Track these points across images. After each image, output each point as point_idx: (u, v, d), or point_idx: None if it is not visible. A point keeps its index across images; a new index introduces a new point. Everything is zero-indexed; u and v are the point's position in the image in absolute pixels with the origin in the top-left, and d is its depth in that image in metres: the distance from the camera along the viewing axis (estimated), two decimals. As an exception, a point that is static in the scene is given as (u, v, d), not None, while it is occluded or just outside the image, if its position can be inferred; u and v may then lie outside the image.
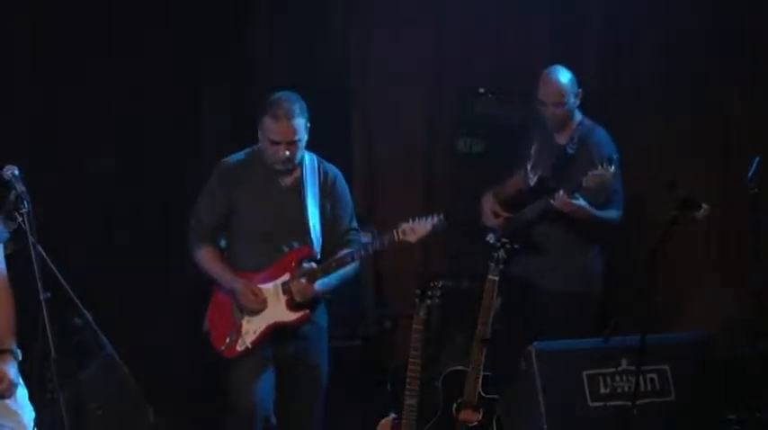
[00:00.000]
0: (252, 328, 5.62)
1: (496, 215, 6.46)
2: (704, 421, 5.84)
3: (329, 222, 5.72)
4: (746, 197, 6.27)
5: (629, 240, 7.20)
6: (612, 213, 6.29)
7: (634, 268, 6.54)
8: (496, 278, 5.79)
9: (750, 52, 7.39)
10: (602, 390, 5.78)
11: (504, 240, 5.85)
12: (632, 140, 7.36)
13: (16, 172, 4.76)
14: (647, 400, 5.73)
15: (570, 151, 6.39)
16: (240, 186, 5.69)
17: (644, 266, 5.47)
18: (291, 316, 5.61)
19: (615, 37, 7.65)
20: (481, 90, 7.42)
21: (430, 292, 5.72)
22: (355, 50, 7.81)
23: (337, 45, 7.77)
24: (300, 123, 5.55)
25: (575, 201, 6.09)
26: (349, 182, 7.54)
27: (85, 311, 5.57)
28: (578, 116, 6.41)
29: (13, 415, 4.73)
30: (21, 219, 4.73)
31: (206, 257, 5.72)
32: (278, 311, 5.61)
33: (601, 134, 6.43)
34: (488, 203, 6.51)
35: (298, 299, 5.58)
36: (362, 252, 5.68)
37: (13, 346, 4.74)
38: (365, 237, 5.98)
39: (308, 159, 5.72)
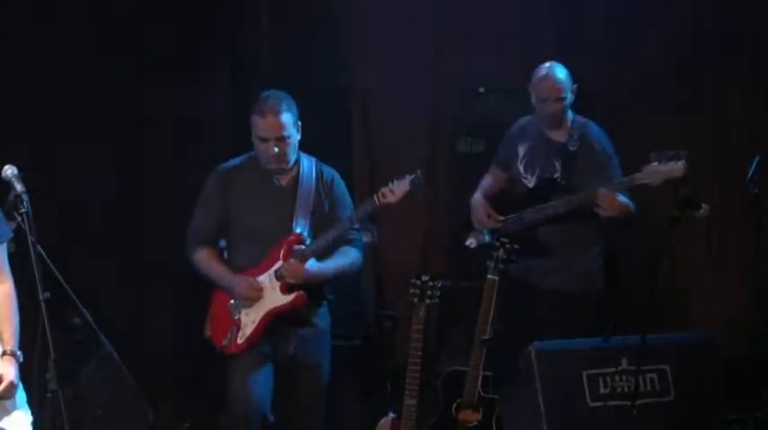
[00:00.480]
0: (250, 319, 5.64)
1: (488, 217, 6.43)
2: (704, 421, 5.82)
3: (325, 221, 5.70)
4: (747, 197, 6.27)
5: (630, 240, 7.21)
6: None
7: (634, 268, 6.58)
8: (496, 278, 5.78)
9: (750, 52, 7.38)
10: (602, 390, 5.76)
11: (503, 240, 5.84)
12: (632, 140, 7.37)
13: (16, 171, 4.76)
14: (646, 400, 5.71)
15: (572, 148, 6.36)
16: (235, 189, 5.71)
17: (644, 266, 5.47)
18: (286, 299, 5.61)
19: (616, 36, 7.64)
20: (482, 90, 7.42)
21: (429, 292, 5.72)
22: (355, 50, 7.81)
23: (337, 44, 7.77)
24: (287, 119, 5.56)
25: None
26: (349, 181, 7.55)
27: (85, 311, 5.60)
28: (571, 113, 6.41)
29: (12, 417, 4.73)
30: (20, 218, 4.74)
31: (203, 259, 5.74)
32: (273, 297, 5.63)
33: (596, 129, 6.43)
34: (482, 206, 6.46)
35: (290, 280, 5.58)
36: (348, 225, 5.67)
37: (15, 348, 4.74)
38: (364, 236, 5.98)
39: (306, 162, 5.74)
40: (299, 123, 5.62)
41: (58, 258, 5.44)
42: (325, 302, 5.81)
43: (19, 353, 4.74)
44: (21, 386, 4.77)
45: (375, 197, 5.58)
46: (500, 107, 7.30)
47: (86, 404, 6.28)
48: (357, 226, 5.80)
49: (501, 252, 5.81)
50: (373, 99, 7.81)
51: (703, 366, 5.90)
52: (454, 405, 5.81)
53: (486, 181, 6.61)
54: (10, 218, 4.80)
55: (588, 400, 5.74)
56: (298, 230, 5.64)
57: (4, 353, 4.71)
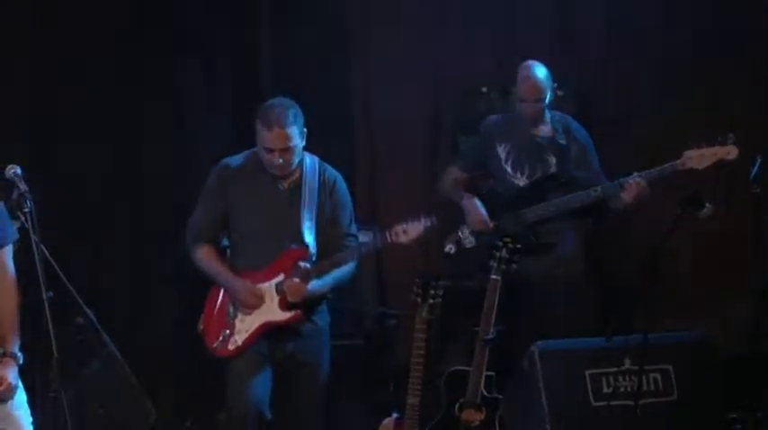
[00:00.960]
0: (245, 327, 5.62)
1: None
2: (706, 421, 5.84)
3: (328, 225, 5.70)
4: (748, 196, 6.28)
5: (631, 239, 7.23)
6: None
7: (636, 267, 6.58)
8: (499, 277, 5.78)
9: (750, 52, 7.39)
10: (605, 390, 5.77)
11: (506, 240, 5.83)
12: (632, 139, 7.38)
13: (18, 171, 4.76)
14: (649, 400, 5.72)
15: (562, 142, 6.43)
16: (238, 187, 5.68)
17: (646, 265, 5.48)
18: (283, 315, 5.60)
19: (616, 36, 7.64)
20: (483, 89, 7.43)
21: (432, 291, 5.71)
22: (357, 49, 7.81)
23: (339, 44, 7.76)
24: (293, 130, 5.51)
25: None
26: (351, 181, 7.54)
27: (88, 310, 5.59)
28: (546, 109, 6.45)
29: (12, 418, 4.72)
30: (23, 218, 4.73)
31: (203, 257, 5.71)
32: (270, 311, 5.61)
33: (573, 121, 6.51)
34: (479, 208, 6.44)
35: (290, 298, 5.57)
36: (357, 253, 5.67)
37: (15, 349, 4.73)
38: (365, 236, 5.97)
39: (309, 161, 5.71)
40: (305, 130, 5.59)
41: (61, 258, 5.43)
42: (324, 301, 5.79)
43: (19, 354, 4.73)
44: (21, 387, 4.76)
45: (387, 234, 5.59)
46: (501, 106, 7.29)
47: (89, 403, 6.27)
48: (355, 232, 5.79)
49: (504, 252, 5.80)
50: (375, 98, 7.79)
51: (705, 366, 5.91)
52: (457, 404, 5.80)
53: (455, 182, 6.59)
54: (13, 217, 4.79)
55: (591, 400, 5.75)
56: (305, 238, 5.61)
57: (4, 354, 4.70)
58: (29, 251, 4.74)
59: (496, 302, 5.72)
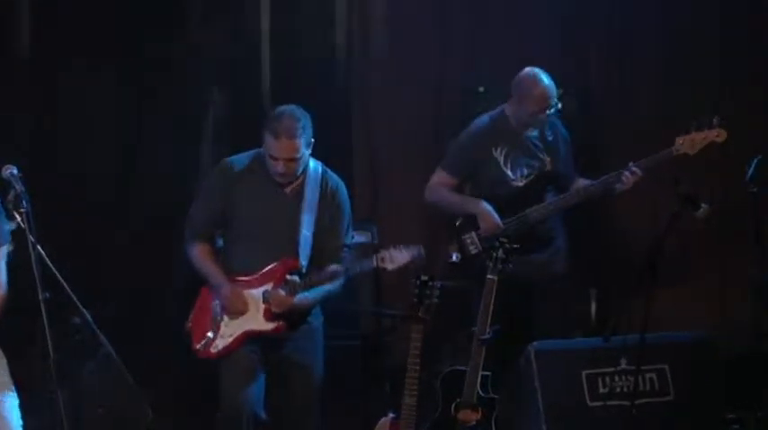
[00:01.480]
0: (228, 332, 5.62)
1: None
2: (703, 421, 5.84)
3: (324, 233, 5.68)
4: (746, 196, 6.27)
5: (628, 239, 7.23)
6: None
7: (633, 267, 6.57)
8: (495, 277, 5.79)
9: (749, 52, 7.39)
10: (601, 390, 5.78)
11: (502, 240, 5.84)
12: (631, 139, 7.38)
13: (15, 171, 4.78)
14: (646, 400, 5.73)
15: (551, 139, 6.50)
16: (239, 188, 5.68)
17: (643, 265, 5.48)
18: (266, 325, 5.59)
19: (616, 36, 7.65)
20: (481, 89, 7.42)
21: (428, 292, 5.71)
22: (356, 50, 7.80)
23: (338, 44, 7.76)
24: (301, 142, 5.52)
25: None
26: (350, 181, 7.54)
27: (84, 311, 5.59)
28: None
29: (2, 422, 4.73)
30: (20, 218, 4.74)
31: (198, 255, 5.71)
32: (254, 319, 5.60)
33: (556, 119, 6.55)
34: (494, 213, 6.41)
35: (274, 309, 5.56)
36: (347, 272, 5.63)
37: None
38: (362, 236, 5.97)
39: (313, 167, 5.70)
40: (312, 140, 5.59)
41: (57, 258, 5.43)
42: (310, 310, 5.76)
43: None
44: (13, 391, 4.77)
45: (375, 257, 5.57)
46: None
47: (86, 404, 6.29)
48: (350, 243, 5.77)
49: (500, 252, 5.81)
50: (374, 99, 7.80)
51: (702, 366, 5.91)
52: (453, 404, 5.80)
53: (447, 188, 6.59)
54: (10, 217, 4.80)
55: (587, 400, 5.76)
56: (300, 247, 5.60)
57: None
58: (26, 251, 4.76)
59: (493, 302, 5.73)
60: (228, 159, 5.79)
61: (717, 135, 6.13)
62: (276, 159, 5.53)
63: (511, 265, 5.80)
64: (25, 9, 7.33)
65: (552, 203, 6.39)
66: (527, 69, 6.45)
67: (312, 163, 5.69)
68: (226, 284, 5.62)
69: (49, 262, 5.08)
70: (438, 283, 5.70)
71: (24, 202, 4.74)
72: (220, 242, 5.84)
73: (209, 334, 5.63)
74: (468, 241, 6.44)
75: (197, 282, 5.78)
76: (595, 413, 5.73)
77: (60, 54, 7.32)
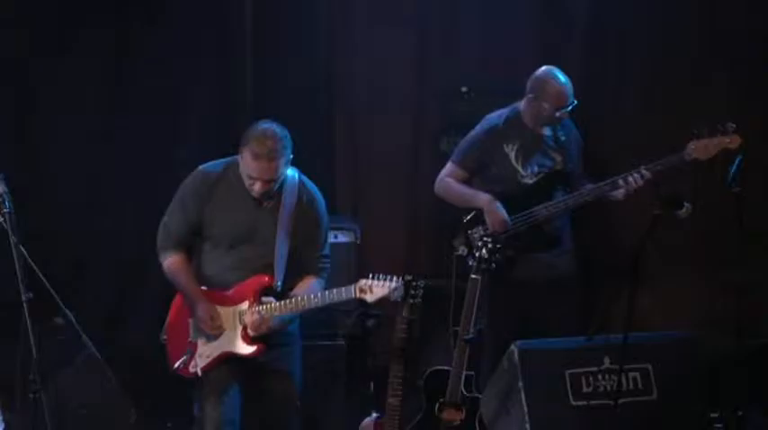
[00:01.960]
0: (206, 352, 5.54)
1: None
2: (686, 420, 5.85)
3: (301, 245, 5.58)
4: (729, 196, 6.29)
5: (612, 239, 7.24)
6: None
7: (617, 267, 6.59)
8: (479, 277, 5.80)
9: (732, 52, 7.41)
10: (585, 389, 5.78)
11: (486, 239, 5.85)
12: (618, 139, 7.39)
13: (-1, 173, 4.77)
14: (629, 399, 5.73)
15: (563, 138, 6.50)
16: (214, 199, 5.55)
17: (627, 265, 5.49)
18: (245, 349, 5.51)
19: (600, 36, 7.65)
20: (464, 89, 7.43)
21: (413, 291, 5.70)
22: (339, 50, 7.80)
23: (322, 44, 7.76)
24: (281, 162, 5.39)
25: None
26: (331, 181, 7.56)
27: (68, 311, 5.58)
28: None
29: None
30: (2, 219, 4.74)
31: (172, 266, 5.60)
32: (233, 341, 5.52)
33: (567, 118, 6.54)
34: (501, 208, 6.38)
35: (251, 333, 5.48)
36: (320, 300, 5.48)
37: None
38: (346, 236, 5.92)
39: (290, 178, 5.56)
40: (291, 156, 5.48)
41: (41, 259, 5.42)
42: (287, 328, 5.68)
43: None
44: None
45: (355, 287, 5.42)
46: (483, 106, 7.30)
47: (69, 404, 6.28)
48: (328, 253, 5.70)
49: (483, 251, 5.82)
50: (356, 98, 7.80)
51: (685, 365, 5.92)
52: (437, 404, 5.81)
53: (457, 181, 6.60)
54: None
55: (571, 399, 5.76)
56: (277, 261, 5.50)
57: None
58: (8, 252, 4.75)
59: (477, 302, 5.74)
60: (203, 168, 5.65)
61: (730, 141, 6.09)
62: (254, 179, 5.41)
63: (494, 265, 5.81)
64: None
65: (561, 202, 6.38)
66: (544, 67, 6.45)
67: (289, 171, 5.56)
68: (202, 303, 5.51)
69: (32, 262, 5.07)
70: (422, 283, 5.70)
71: (7, 203, 4.73)
72: None
73: (186, 354, 5.55)
74: (476, 236, 6.42)
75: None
76: (579, 412, 5.73)
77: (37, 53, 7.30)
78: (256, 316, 5.46)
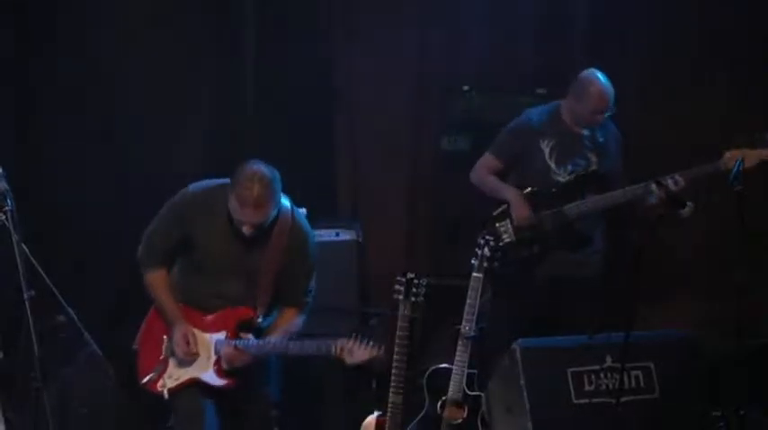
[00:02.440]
0: (176, 374, 5.45)
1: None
2: (688, 418, 5.85)
3: (287, 279, 5.49)
4: (731, 195, 6.28)
5: (617, 239, 7.22)
6: None
7: (620, 266, 6.60)
8: (481, 275, 5.80)
9: (729, 51, 7.41)
10: (587, 387, 5.78)
11: (488, 238, 5.85)
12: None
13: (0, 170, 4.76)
14: (631, 397, 5.73)
15: (601, 140, 6.51)
16: (199, 224, 5.43)
17: (629, 264, 5.49)
18: (216, 381, 5.44)
19: (601, 36, 7.65)
20: (466, 87, 7.43)
21: (414, 290, 5.70)
22: (339, 49, 7.79)
23: (322, 44, 7.75)
24: (268, 208, 5.26)
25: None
26: (333, 181, 7.55)
27: (69, 309, 5.58)
28: None
29: None
30: (4, 217, 4.73)
31: (153, 283, 5.51)
32: (205, 369, 5.44)
33: (609, 120, 6.55)
34: (526, 203, 6.43)
35: (225, 366, 5.41)
36: (298, 350, 5.42)
37: None
38: (347, 234, 5.86)
39: (282, 210, 5.41)
40: (281, 196, 5.36)
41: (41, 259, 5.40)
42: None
43: None
44: None
45: (333, 347, 5.36)
46: (484, 105, 7.31)
47: (70, 402, 6.27)
48: (312, 289, 5.60)
49: (486, 250, 5.82)
50: (357, 97, 7.79)
51: (687, 363, 5.92)
52: (439, 402, 5.81)
53: (490, 172, 6.60)
54: (-8, 216, 4.78)
55: (573, 398, 5.75)
56: (259, 293, 5.43)
57: None
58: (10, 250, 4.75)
59: (478, 300, 5.74)
60: (192, 190, 5.51)
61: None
62: (242, 223, 5.30)
63: (497, 264, 5.82)
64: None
65: (591, 201, 6.40)
66: (588, 70, 6.47)
67: (283, 204, 5.42)
68: (180, 325, 5.42)
69: (33, 260, 5.07)
70: (423, 281, 5.70)
71: (8, 200, 4.72)
72: None
73: (157, 369, 5.46)
74: (502, 229, 6.44)
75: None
76: (581, 410, 5.73)
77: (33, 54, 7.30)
78: (233, 350, 5.39)
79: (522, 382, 5.71)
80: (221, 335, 5.45)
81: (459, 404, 5.79)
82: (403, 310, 5.71)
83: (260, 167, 5.26)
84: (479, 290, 5.77)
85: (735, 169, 6.11)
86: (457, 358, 5.77)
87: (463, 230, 6.66)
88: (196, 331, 5.46)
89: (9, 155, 6.80)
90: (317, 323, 5.86)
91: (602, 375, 5.76)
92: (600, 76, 6.42)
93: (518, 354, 5.75)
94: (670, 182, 6.17)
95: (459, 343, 5.79)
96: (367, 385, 6.81)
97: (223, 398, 5.50)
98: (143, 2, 7.49)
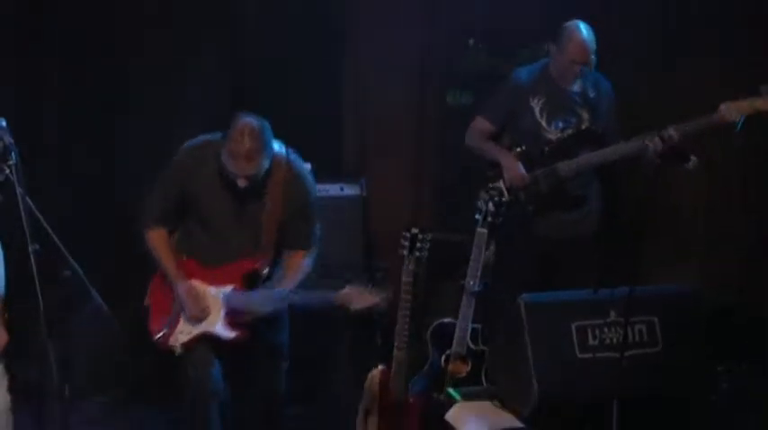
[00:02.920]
0: (186, 330, 5.50)
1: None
2: (691, 372, 5.85)
3: (290, 221, 5.54)
4: (733, 152, 6.28)
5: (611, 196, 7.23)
6: None
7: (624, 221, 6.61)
8: (485, 231, 5.81)
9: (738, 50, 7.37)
10: (591, 342, 5.77)
11: (492, 193, 5.86)
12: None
13: (3, 123, 4.75)
14: (634, 351, 5.73)
15: (593, 96, 6.44)
16: (196, 180, 5.48)
17: (632, 219, 5.49)
18: (227, 333, 5.49)
19: (607, 10, 7.59)
20: (471, 42, 7.40)
21: (419, 244, 5.72)
22: (346, 3, 7.74)
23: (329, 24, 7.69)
24: (260, 159, 5.31)
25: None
26: (339, 138, 7.53)
27: (75, 264, 5.57)
28: None
29: None
30: (8, 170, 4.73)
31: (154, 242, 5.56)
32: (215, 323, 5.50)
33: (601, 76, 6.52)
34: (518, 163, 6.40)
35: (234, 319, 5.48)
36: (302, 300, 5.48)
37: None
38: (353, 188, 5.88)
39: (277, 155, 5.46)
40: (272, 148, 5.39)
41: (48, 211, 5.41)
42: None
43: None
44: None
45: (335, 296, 5.44)
46: (489, 59, 7.28)
47: (75, 356, 6.28)
48: (316, 230, 5.65)
49: (490, 205, 5.83)
50: (362, 52, 7.75)
51: (691, 318, 5.92)
52: (443, 356, 5.83)
53: (481, 134, 6.58)
54: (-2, 170, 4.78)
55: (577, 352, 5.76)
56: (263, 241, 5.49)
57: None
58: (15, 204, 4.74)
59: (483, 255, 5.75)
60: (186, 145, 5.58)
61: (763, 102, 5.95)
62: (236, 175, 5.35)
63: (501, 219, 5.82)
64: None
65: (584, 158, 6.36)
66: (571, 20, 6.40)
67: (276, 147, 5.46)
68: (182, 283, 5.49)
69: (38, 214, 5.07)
70: (428, 236, 5.71)
71: (13, 154, 4.72)
72: None
73: (168, 324, 5.53)
74: (494, 191, 6.42)
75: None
76: (585, 364, 5.74)
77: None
78: (241, 302, 5.46)
79: (527, 337, 5.72)
80: (228, 289, 5.50)
81: (463, 358, 5.82)
82: (407, 265, 5.73)
83: (250, 120, 5.32)
84: (483, 245, 5.77)
85: (738, 125, 6.10)
86: (461, 313, 5.79)
87: (468, 185, 6.62)
88: (204, 286, 5.51)
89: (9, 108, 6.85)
90: (323, 277, 5.88)
91: (606, 329, 5.76)
92: (580, 25, 6.34)
93: (522, 309, 5.75)
94: (666, 134, 6.13)
95: (464, 298, 5.81)
96: (371, 340, 6.83)
97: (235, 352, 5.54)
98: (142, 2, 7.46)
